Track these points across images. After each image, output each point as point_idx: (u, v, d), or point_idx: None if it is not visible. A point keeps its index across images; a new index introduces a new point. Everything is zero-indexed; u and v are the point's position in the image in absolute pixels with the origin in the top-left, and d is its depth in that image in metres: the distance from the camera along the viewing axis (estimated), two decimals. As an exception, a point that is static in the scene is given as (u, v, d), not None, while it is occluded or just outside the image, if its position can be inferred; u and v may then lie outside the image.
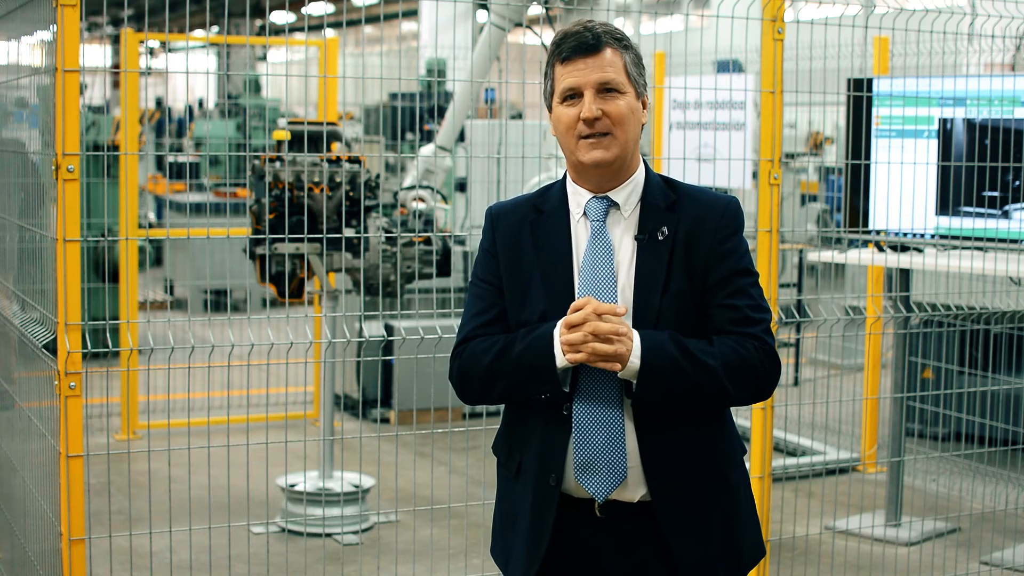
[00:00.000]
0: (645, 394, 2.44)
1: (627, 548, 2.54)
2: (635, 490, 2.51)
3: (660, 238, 2.52)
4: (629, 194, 2.56)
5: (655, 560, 2.53)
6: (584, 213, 2.57)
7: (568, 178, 2.62)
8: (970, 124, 5.15)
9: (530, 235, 2.58)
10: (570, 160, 2.56)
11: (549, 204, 2.61)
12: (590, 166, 2.51)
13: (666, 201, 2.56)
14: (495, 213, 2.66)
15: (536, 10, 6.14)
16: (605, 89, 2.49)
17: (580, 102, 2.49)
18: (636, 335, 2.43)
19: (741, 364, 2.48)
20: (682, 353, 2.44)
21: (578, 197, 2.58)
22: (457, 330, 2.67)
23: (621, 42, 2.53)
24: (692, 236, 2.53)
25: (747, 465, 2.74)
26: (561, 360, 2.43)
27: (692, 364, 2.44)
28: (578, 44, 2.50)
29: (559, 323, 2.45)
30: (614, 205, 2.56)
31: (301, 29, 26.31)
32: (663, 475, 2.49)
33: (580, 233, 2.57)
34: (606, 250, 2.53)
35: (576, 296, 2.50)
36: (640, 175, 2.59)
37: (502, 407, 2.73)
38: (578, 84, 2.49)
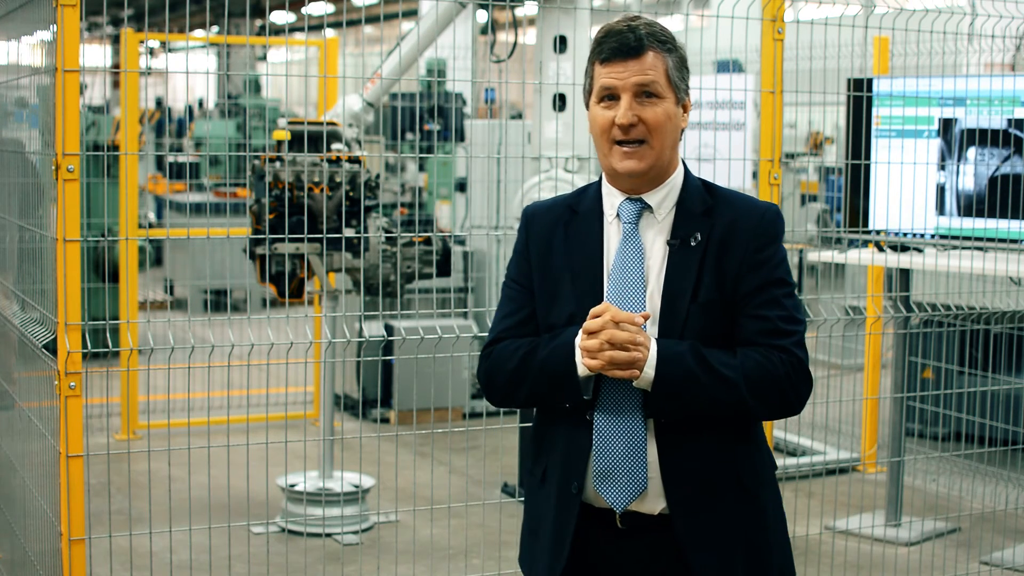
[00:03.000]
0: (659, 405, 2.39)
1: (648, 561, 2.48)
2: (656, 502, 2.45)
3: (692, 244, 2.46)
4: (664, 197, 2.50)
5: (677, 575, 2.47)
6: (617, 215, 2.51)
7: (604, 178, 2.57)
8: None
9: (563, 236, 2.54)
10: (604, 164, 2.51)
11: (584, 205, 2.56)
12: (624, 175, 2.47)
13: (703, 206, 2.49)
14: (530, 213, 2.62)
15: (532, 8, 6.14)
16: (643, 93, 2.43)
17: (616, 105, 2.43)
18: (654, 344, 2.37)
19: (764, 377, 2.41)
20: (700, 364, 2.38)
21: (612, 198, 2.53)
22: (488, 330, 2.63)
23: (665, 44, 2.45)
24: (725, 243, 2.46)
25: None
26: (582, 369, 2.39)
27: (710, 376, 2.38)
28: (619, 46, 2.42)
29: (580, 330, 2.40)
30: (647, 208, 2.50)
31: (301, 29, 26.31)
32: (682, 488, 2.43)
33: (612, 235, 2.51)
34: (637, 253, 2.47)
35: (605, 299, 2.45)
36: (678, 178, 2.52)
37: (503, 408, 2.71)
38: (615, 86, 2.43)
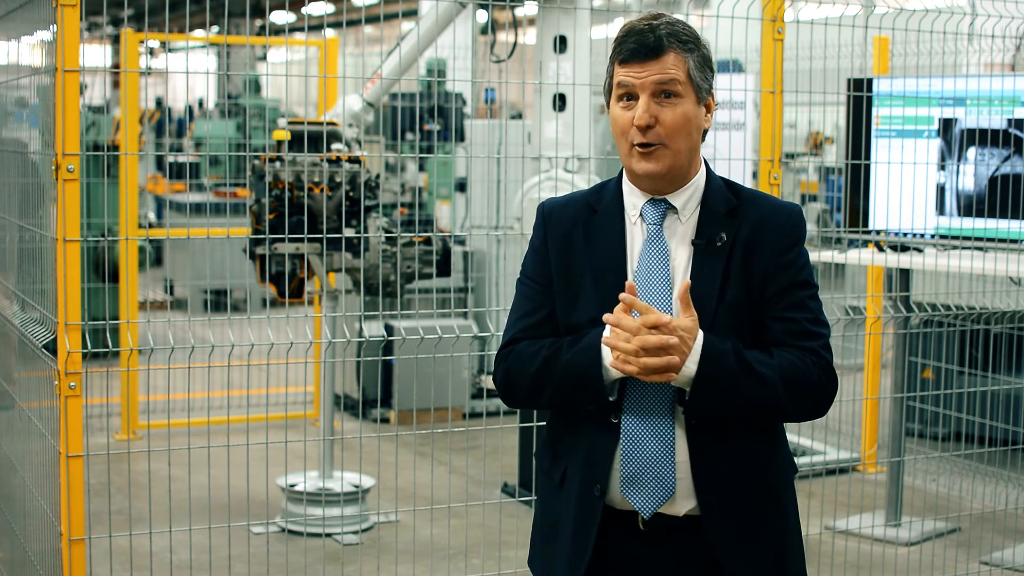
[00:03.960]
0: (698, 402, 2.35)
1: (672, 564, 2.45)
2: (682, 504, 2.42)
3: (718, 244, 2.43)
4: (688, 199, 2.47)
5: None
6: (640, 215, 2.48)
7: (624, 177, 2.53)
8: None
9: (583, 235, 2.50)
10: (624, 163, 2.48)
11: (603, 203, 2.52)
12: (641, 176, 2.44)
13: (727, 206, 2.47)
14: (547, 209, 2.57)
15: (532, 8, 6.14)
16: (662, 93, 2.39)
17: (635, 105, 2.39)
18: (700, 338, 2.33)
19: (799, 379, 2.39)
20: (741, 363, 2.35)
21: (634, 198, 2.49)
22: (503, 329, 2.58)
23: (686, 44, 2.40)
24: (752, 244, 2.43)
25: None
26: (610, 371, 2.36)
27: (750, 375, 2.35)
28: (638, 46, 2.38)
29: (605, 331, 2.36)
30: (672, 209, 2.47)
31: (301, 29, 26.31)
32: (714, 490, 2.40)
33: (635, 236, 2.48)
34: (662, 255, 2.44)
35: None
36: (701, 179, 2.49)
37: (521, 409, 2.68)
38: (633, 86, 2.39)
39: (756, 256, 2.43)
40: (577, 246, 2.50)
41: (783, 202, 2.54)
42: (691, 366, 2.32)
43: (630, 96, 2.41)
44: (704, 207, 2.47)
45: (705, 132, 2.50)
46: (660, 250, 2.45)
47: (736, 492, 2.42)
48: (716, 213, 2.46)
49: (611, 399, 2.41)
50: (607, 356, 2.36)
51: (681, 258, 2.45)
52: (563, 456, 2.52)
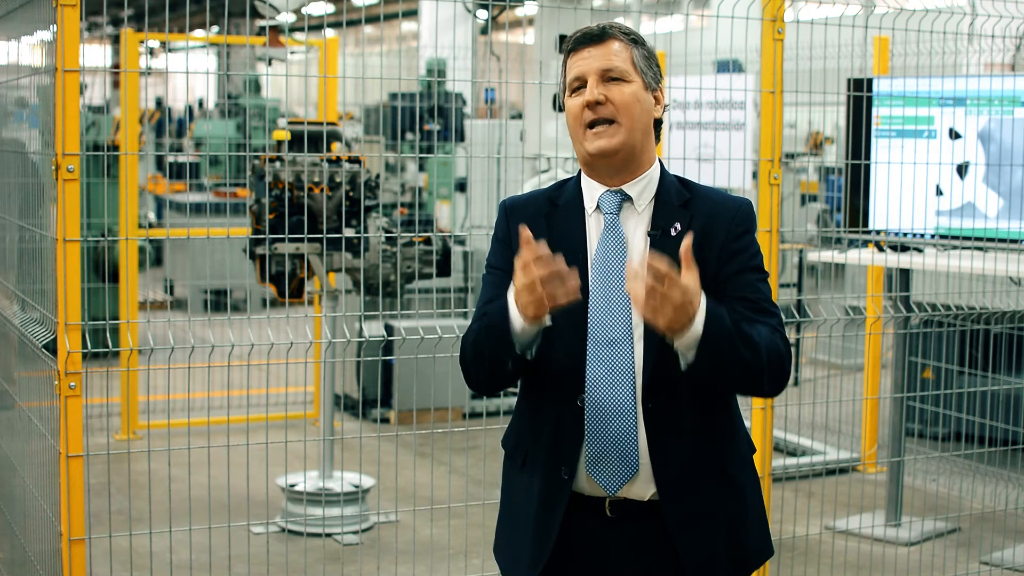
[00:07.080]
0: (702, 362, 2.38)
1: (637, 548, 2.53)
2: (645, 488, 2.50)
3: (673, 234, 2.52)
4: (643, 189, 2.56)
5: (664, 560, 2.52)
6: (597, 206, 2.56)
7: (582, 173, 2.62)
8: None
9: (544, 228, 2.57)
10: (579, 153, 2.57)
11: (563, 198, 2.61)
12: (595, 155, 2.51)
13: (680, 199, 2.56)
14: (510, 204, 2.66)
15: (532, 8, 6.15)
16: (610, 77, 2.50)
17: (586, 91, 2.51)
18: (704, 298, 2.37)
19: (775, 350, 2.47)
20: (735, 325, 2.41)
21: (592, 191, 2.58)
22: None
23: (629, 36, 2.55)
24: (705, 234, 2.51)
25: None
26: (518, 321, 2.39)
27: (743, 338, 2.41)
28: (584, 35, 2.54)
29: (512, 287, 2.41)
30: (627, 199, 2.55)
31: (301, 29, 26.32)
32: (671, 472, 2.48)
33: (593, 227, 2.56)
34: (619, 243, 2.52)
35: (590, 290, 2.48)
36: (655, 172, 2.58)
37: (504, 403, 2.71)
38: (583, 72, 2.51)
39: (709, 245, 2.52)
40: (538, 239, 2.54)
41: (734, 196, 2.64)
42: (698, 325, 2.35)
43: (582, 86, 2.52)
44: (658, 200, 2.56)
45: (659, 124, 2.60)
46: (616, 238, 2.53)
47: (691, 474, 2.50)
48: (670, 205, 2.55)
49: (529, 356, 2.44)
50: (513, 308, 2.40)
51: (638, 247, 2.53)
52: (526, 439, 2.60)
